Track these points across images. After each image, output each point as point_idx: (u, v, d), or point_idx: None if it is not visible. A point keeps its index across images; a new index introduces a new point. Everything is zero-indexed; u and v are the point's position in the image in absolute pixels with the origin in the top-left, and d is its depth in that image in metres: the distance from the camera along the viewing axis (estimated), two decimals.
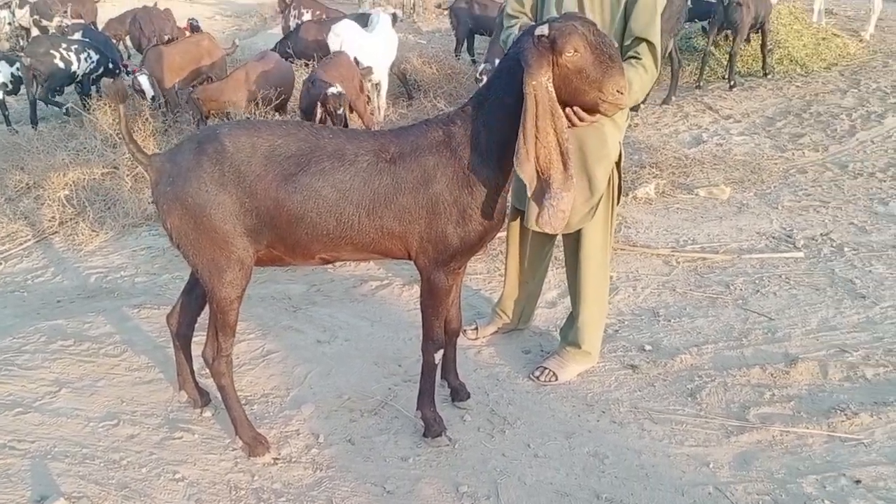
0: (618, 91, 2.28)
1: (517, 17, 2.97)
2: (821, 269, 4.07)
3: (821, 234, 4.51)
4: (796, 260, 4.19)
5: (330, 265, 2.73)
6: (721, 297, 3.82)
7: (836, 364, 3.18)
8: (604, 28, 2.64)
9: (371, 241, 2.54)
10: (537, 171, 2.33)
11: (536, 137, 2.28)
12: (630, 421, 2.92)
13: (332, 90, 5.47)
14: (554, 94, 2.26)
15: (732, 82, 7.80)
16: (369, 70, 7.12)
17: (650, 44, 2.69)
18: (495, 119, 2.42)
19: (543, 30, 2.25)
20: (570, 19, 2.29)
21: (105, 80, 8.61)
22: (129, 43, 11.19)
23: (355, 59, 6.84)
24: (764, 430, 2.82)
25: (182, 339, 3.01)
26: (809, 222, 4.70)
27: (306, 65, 8.33)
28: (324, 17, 10.39)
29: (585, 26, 2.26)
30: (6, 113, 8.16)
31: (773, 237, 4.51)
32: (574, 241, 3.06)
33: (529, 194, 2.40)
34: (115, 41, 9.96)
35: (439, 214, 2.48)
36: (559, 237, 3.22)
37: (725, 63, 8.08)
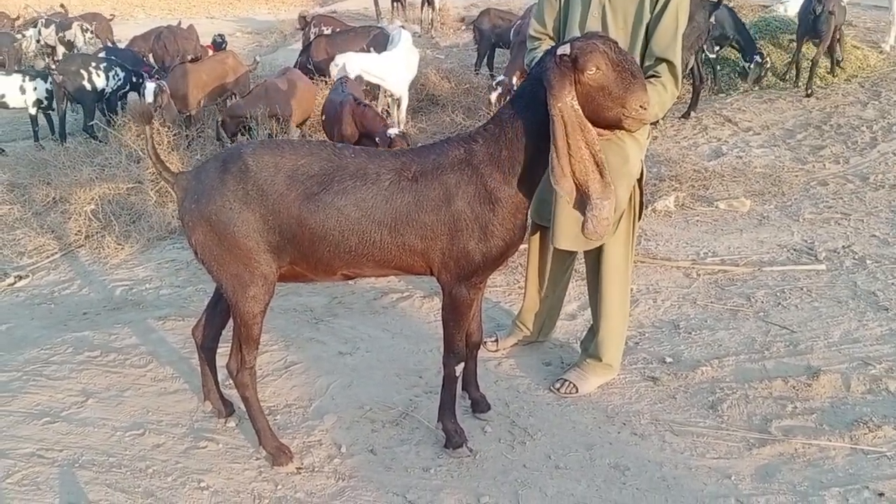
0: (640, 107, 2.32)
1: (540, 39, 3.01)
2: (843, 282, 4.05)
3: (843, 246, 4.49)
4: (818, 272, 4.17)
5: (351, 280, 2.76)
6: (742, 310, 3.81)
7: (858, 377, 3.17)
8: (625, 48, 2.67)
9: (393, 258, 2.58)
10: (575, 185, 2.36)
11: (570, 154, 2.31)
12: (651, 433, 2.92)
13: (393, 131, 5.38)
14: (580, 111, 2.30)
15: (810, 90, 7.79)
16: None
17: (670, 64, 2.72)
18: (518, 137, 2.45)
19: (565, 49, 2.29)
20: (591, 38, 2.33)
21: (131, 96, 8.75)
22: (152, 60, 11.40)
23: (358, 78, 6.96)
24: (786, 443, 2.81)
25: (207, 352, 3.06)
26: (831, 234, 4.68)
27: (324, 80, 8.43)
28: (335, 29, 10.49)
29: (606, 44, 2.30)
30: (36, 129, 8.34)
31: (795, 249, 4.49)
32: (596, 256, 3.08)
33: (572, 205, 2.41)
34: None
35: (461, 231, 2.51)
36: (580, 252, 3.24)
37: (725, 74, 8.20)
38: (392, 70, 7.45)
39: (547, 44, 2.99)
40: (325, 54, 9.18)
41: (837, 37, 8.12)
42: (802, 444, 2.80)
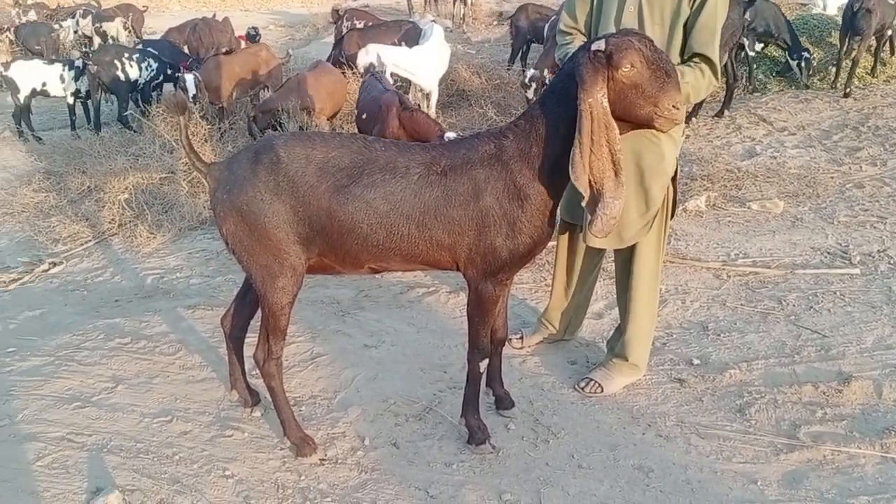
0: (673, 106, 2.31)
1: (571, 34, 2.99)
2: (877, 287, 3.96)
3: (878, 250, 4.40)
4: (852, 276, 4.09)
5: (378, 274, 2.77)
6: (773, 313, 3.76)
7: (891, 383, 3.10)
8: (662, 44, 2.64)
9: (420, 253, 2.58)
10: (590, 182, 2.35)
11: (591, 151, 2.30)
12: (676, 435, 2.89)
13: (451, 135, 5.10)
14: (608, 109, 2.29)
15: (849, 90, 7.66)
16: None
17: (709, 60, 2.70)
18: (549, 133, 2.44)
19: (600, 45, 2.27)
20: (626, 35, 2.31)
21: (166, 88, 8.86)
22: (186, 52, 11.53)
23: (392, 74, 6.93)
24: (815, 449, 2.76)
25: (235, 341, 3.09)
26: (866, 238, 4.59)
27: (356, 74, 8.45)
28: (368, 23, 10.52)
29: (642, 42, 2.29)
30: (73, 118, 8.50)
31: (828, 252, 4.41)
32: (627, 255, 3.05)
33: (584, 204, 2.40)
34: None
35: (489, 227, 2.50)
36: (610, 250, 3.22)
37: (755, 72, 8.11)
38: (423, 64, 7.45)
39: (579, 39, 2.96)
40: (357, 48, 9.18)
41: (886, 37, 7.94)
42: (831, 451, 2.75)
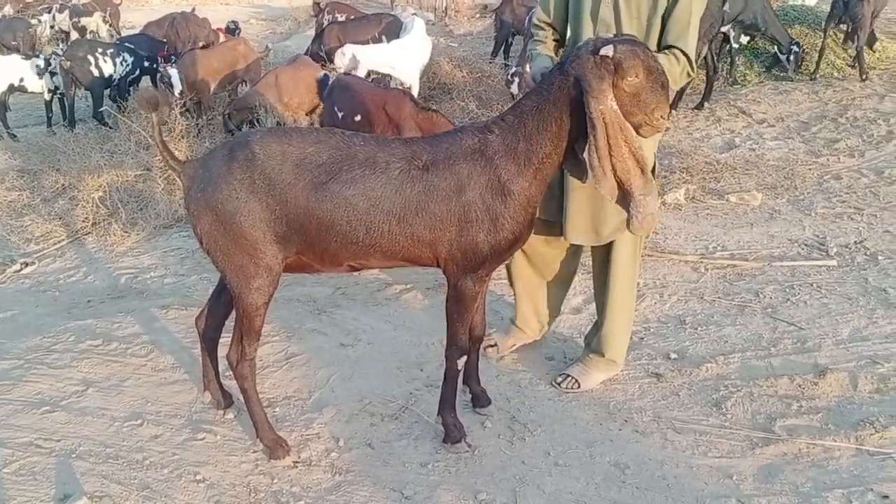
0: (662, 117, 2.34)
1: (544, 29, 2.96)
2: (853, 278, 3.97)
3: (855, 241, 4.41)
4: (828, 268, 4.10)
5: (357, 271, 2.73)
6: (750, 306, 3.75)
7: (866, 376, 3.10)
8: (639, 37, 2.63)
9: (401, 249, 2.54)
10: (617, 183, 2.34)
11: (611, 154, 2.29)
12: (653, 430, 2.88)
13: None
14: (619, 111, 2.28)
15: (864, 76, 7.66)
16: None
17: (683, 52, 2.69)
18: (539, 130, 2.41)
19: (608, 51, 2.24)
20: (630, 43, 2.30)
21: (141, 84, 8.73)
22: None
23: (370, 71, 6.83)
24: (790, 443, 2.76)
25: (209, 342, 3.04)
26: (843, 230, 4.59)
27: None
28: (350, 16, 10.42)
29: (645, 52, 2.30)
30: (50, 115, 8.37)
31: (806, 244, 4.42)
32: (605, 251, 3.02)
33: (614, 201, 2.40)
34: None
35: (471, 223, 2.47)
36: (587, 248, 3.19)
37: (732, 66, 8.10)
38: (403, 58, 7.40)
39: (550, 38, 2.95)
40: (337, 42, 9.13)
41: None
42: (807, 444, 2.75)
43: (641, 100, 2.30)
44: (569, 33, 2.93)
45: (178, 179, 2.69)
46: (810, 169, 5.70)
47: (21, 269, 5.09)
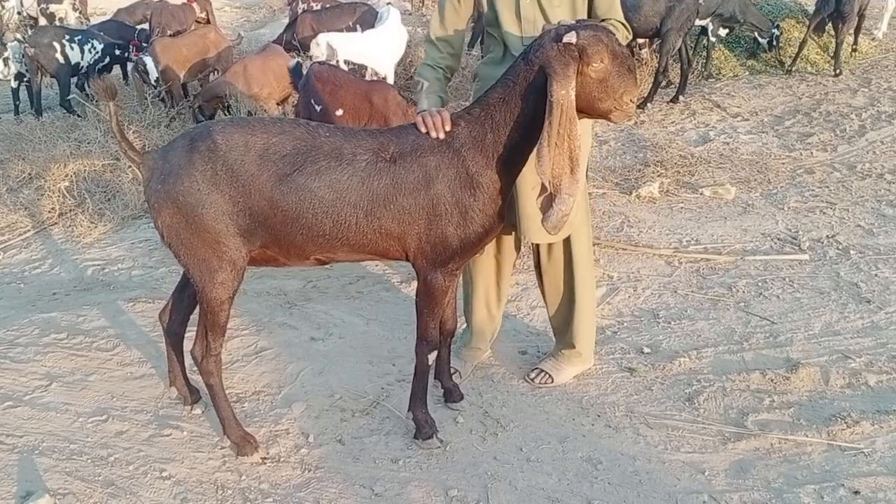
0: (630, 101, 2.32)
1: (439, 51, 2.83)
2: (825, 272, 3.99)
3: (827, 236, 4.44)
4: (801, 262, 4.12)
5: (325, 265, 2.68)
6: (723, 300, 3.76)
7: (838, 370, 3.12)
8: (573, 15, 2.62)
9: (368, 243, 2.49)
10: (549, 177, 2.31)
11: (556, 144, 2.25)
12: (625, 426, 2.87)
13: None
14: (574, 103, 2.26)
15: (838, 71, 7.72)
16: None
17: (618, 21, 2.70)
18: (506, 122, 2.38)
19: (571, 38, 2.21)
20: (596, 29, 2.27)
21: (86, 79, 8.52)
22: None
23: (345, 61, 6.73)
24: (762, 438, 2.76)
25: (173, 337, 2.98)
26: (815, 224, 4.62)
27: (310, 58, 8.27)
28: (325, 5, 10.28)
29: (609, 37, 2.27)
30: (17, 103, 8.19)
31: (778, 238, 4.43)
32: (566, 246, 2.97)
33: (537, 200, 2.37)
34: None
35: (439, 216, 2.43)
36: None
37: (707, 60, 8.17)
38: (377, 49, 7.32)
39: (447, 59, 2.83)
40: (310, 31, 9.01)
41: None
42: (779, 439, 2.75)
43: (609, 85, 2.27)
44: (488, 42, 2.85)
45: (136, 171, 2.62)
46: (783, 163, 5.74)
47: None
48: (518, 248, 3.15)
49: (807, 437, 2.75)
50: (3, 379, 3.31)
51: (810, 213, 4.79)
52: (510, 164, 2.44)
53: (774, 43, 8.08)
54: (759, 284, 3.89)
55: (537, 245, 3.03)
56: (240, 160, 2.38)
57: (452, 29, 2.81)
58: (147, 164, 2.51)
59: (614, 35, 2.32)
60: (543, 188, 2.36)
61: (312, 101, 5.35)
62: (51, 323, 3.80)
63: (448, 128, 2.45)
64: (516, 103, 2.36)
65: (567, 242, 2.95)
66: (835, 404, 2.93)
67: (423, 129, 2.45)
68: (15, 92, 8.10)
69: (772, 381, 3.08)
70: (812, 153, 5.93)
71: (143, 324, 3.73)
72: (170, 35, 7.74)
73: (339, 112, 5.23)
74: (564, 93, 2.22)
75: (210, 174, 2.38)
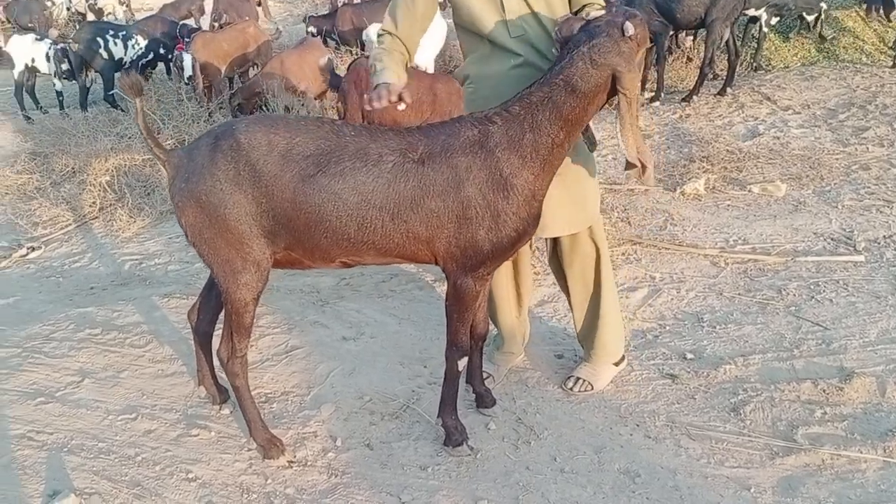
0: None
1: (392, 35, 2.61)
2: (882, 275, 3.77)
3: (884, 236, 4.20)
4: (856, 264, 3.90)
5: (351, 267, 2.59)
6: (772, 303, 3.57)
7: (895, 381, 2.92)
8: (551, 14, 2.51)
9: (395, 246, 2.40)
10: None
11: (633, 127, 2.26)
12: (666, 436, 2.73)
13: None
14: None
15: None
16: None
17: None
18: (549, 121, 2.28)
19: (630, 29, 2.17)
20: (634, 15, 2.22)
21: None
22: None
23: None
24: (813, 453, 2.59)
25: (202, 336, 2.94)
26: (871, 223, 4.38)
27: (349, 52, 8.23)
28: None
29: (642, 17, 2.26)
30: (61, 98, 8.35)
31: (832, 238, 4.22)
32: (591, 239, 2.83)
33: (626, 173, 2.41)
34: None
35: (470, 219, 2.32)
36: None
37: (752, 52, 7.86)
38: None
39: (400, 45, 2.61)
40: (350, 24, 8.99)
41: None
42: (830, 454, 2.58)
43: (640, 61, 2.35)
44: (467, 41, 2.69)
45: (162, 169, 2.57)
46: (837, 158, 5.47)
47: (27, 254, 5.03)
48: (531, 247, 3.03)
49: (861, 452, 2.58)
50: (37, 374, 3.31)
51: (866, 211, 4.55)
52: (548, 166, 2.34)
53: (822, 17, 7.81)
54: (811, 287, 3.69)
55: (554, 242, 2.90)
56: (262, 159, 2.31)
57: (405, 29, 2.61)
58: (172, 162, 2.46)
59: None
60: (629, 164, 2.31)
61: (358, 85, 5.22)
62: (86, 318, 3.81)
63: (394, 101, 2.41)
64: (566, 102, 2.26)
65: (591, 235, 2.81)
66: (892, 418, 2.75)
67: (366, 105, 2.44)
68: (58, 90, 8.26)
69: (824, 391, 2.91)
70: (868, 148, 5.64)
71: (176, 320, 3.71)
72: (219, 26, 7.76)
73: (401, 106, 5.06)
74: (634, 85, 2.19)
75: (233, 173, 2.31)
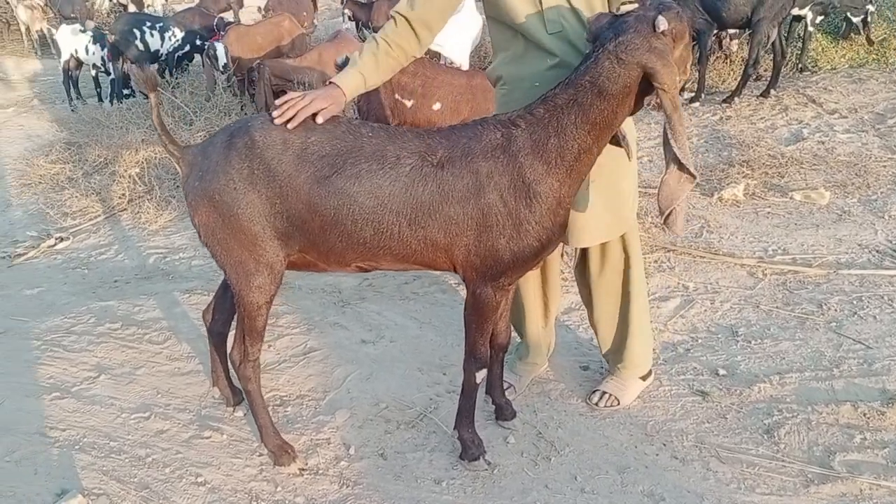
0: (687, 69, 2.23)
1: (396, 26, 2.38)
2: None
3: None
4: None
5: (367, 272, 2.50)
6: (812, 318, 3.40)
7: None
8: (588, 10, 2.35)
9: (412, 252, 2.30)
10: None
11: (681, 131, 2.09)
12: (694, 458, 2.59)
13: None
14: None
15: None
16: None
17: None
18: (577, 124, 2.14)
19: (664, 24, 2.00)
20: (669, 7, 2.05)
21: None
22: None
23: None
24: (850, 482, 2.44)
25: (216, 337, 2.88)
26: None
27: None
28: None
29: (680, 9, 2.08)
30: (98, 89, 8.44)
31: (877, 251, 4.01)
32: (623, 248, 2.70)
33: (662, 200, 2.15)
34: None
35: (490, 227, 2.21)
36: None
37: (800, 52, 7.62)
38: (453, 36, 7.12)
39: (403, 36, 2.38)
40: (386, 18, 8.88)
41: None
42: (870, 484, 2.42)
43: (684, 59, 2.14)
44: (499, 39, 2.51)
45: (176, 166, 2.50)
46: (885, 166, 5.23)
47: (55, 245, 5.05)
48: (562, 255, 2.90)
49: None
50: (55, 368, 3.29)
51: None
52: (574, 173, 2.20)
53: (869, 20, 7.52)
54: (854, 302, 3.51)
55: (584, 252, 2.77)
56: (277, 159, 2.22)
57: (422, 9, 2.35)
58: (187, 158, 2.39)
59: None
60: (661, 208, 2.15)
61: (399, 97, 5.08)
62: (107, 311, 3.79)
63: (319, 120, 2.23)
64: (593, 104, 2.11)
65: (623, 243, 2.68)
66: None
67: (276, 115, 2.23)
68: (95, 78, 8.34)
69: (864, 415, 2.74)
70: None
71: (195, 317, 3.67)
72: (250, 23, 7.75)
73: (437, 106, 4.89)
74: (672, 81, 2.01)
75: (247, 172, 2.24)
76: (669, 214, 2.15)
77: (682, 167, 2.08)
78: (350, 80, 2.35)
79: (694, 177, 2.10)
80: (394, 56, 2.39)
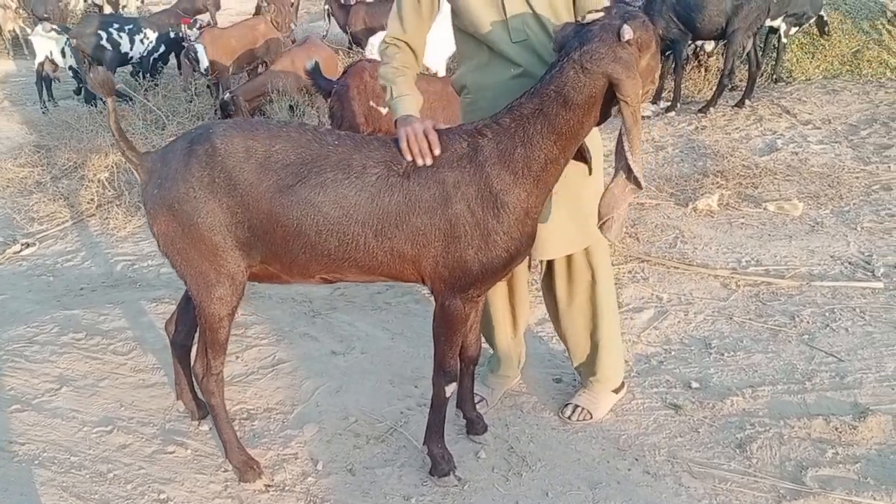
0: (655, 79, 2.17)
1: (399, 49, 2.46)
2: None
3: None
4: (874, 291, 3.71)
5: (331, 283, 2.45)
6: (784, 330, 3.40)
7: None
8: (555, 19, 2.34)
9: (379, 264, 2.25)
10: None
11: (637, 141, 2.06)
12: (666, 473, 2.56)
13: None
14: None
15: None
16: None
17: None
18: (542, 134, 2.10)
19: (629, 33, 1.97)
20: (635, 17, 2.02)
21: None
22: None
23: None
24: (822, 497, 2.42)
25: (180, 349, 2.81)
26: (892, 247, 4.18)
27: (361, 52, 8.09)
28: None
29: (647, 19, 2.05)
30: (83, 86, 8.29)
31: (850, 263, 4.03)
32: (589, 259, 2.68)
33: (603, 206, 2.12)
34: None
35: (458, 238, 2.17)
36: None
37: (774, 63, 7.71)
38: (431, 43, 7.08)
39: (409, 57, 2.47)
40: (363, 24, 8.85)
41: None
42: (842, 500, 2.41)
43: (651, 68, 2.10)
44: (464, 48, 2.51)
45: (135, 173, 2.44)
46: (858, 177, 5.27)
47: (21, 251, 4.93)
48: (529, 266, 2.87)
49: (874, 499, 2.41)
50: (16, 380, 3.21)
51: (886, 234, 4.35)
52: (541, 183, 2.17)
53: (826, 19, 7.81)
54: (826, 314, 3.51)
55: (549, 264, 2.74)
56: (238, 167, 2.17)
57: (413, 31, 2.46)
58: (145, 166, 2.33)
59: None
60: (601, 213, 2.13)
61: (374, 104, 5.02)
62: (71, 321, 3.70)
63: (437, 151, 2.17)
64: (558, 114, 2.07)
65: (588, 256, 2.65)
66: None
67: (409, 156, 2.18)
68: (75, 76, 8.22)
69: (836, 429, 2.73)
70: (890, 167, 5.43)
71: (161, 327, 3.55)
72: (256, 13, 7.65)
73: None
74: (635, 93, 1.99)
75: (207, 181, 2.18)
76: (606, 221, 2.13)
77: (630, 177, 2.07)
78: (413, 104, 2.39)
79: (640, 187, 2.08)
80: (411, 76, 2.46)
